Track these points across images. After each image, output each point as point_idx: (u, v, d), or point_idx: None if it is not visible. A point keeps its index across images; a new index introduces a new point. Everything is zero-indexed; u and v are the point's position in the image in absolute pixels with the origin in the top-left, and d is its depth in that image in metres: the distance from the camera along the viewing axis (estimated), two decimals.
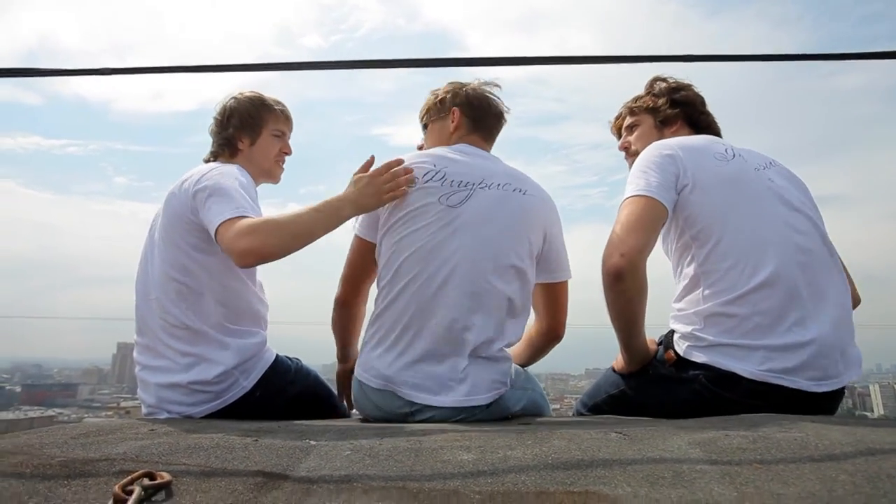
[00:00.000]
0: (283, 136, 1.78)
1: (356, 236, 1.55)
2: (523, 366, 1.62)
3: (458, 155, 1.50)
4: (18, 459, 0.82)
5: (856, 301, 1.49)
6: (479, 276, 1.35)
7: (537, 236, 1.47)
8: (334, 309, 1.62)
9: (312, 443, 0.94)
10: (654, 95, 1.70)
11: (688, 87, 1.69)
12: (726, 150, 1.48)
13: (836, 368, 1.27)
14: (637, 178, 1.42)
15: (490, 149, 1.64)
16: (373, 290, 1.52)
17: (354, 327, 1.64)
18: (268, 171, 1.76)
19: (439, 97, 1.65)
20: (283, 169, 1.80)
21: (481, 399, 1.32)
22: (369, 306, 1.56)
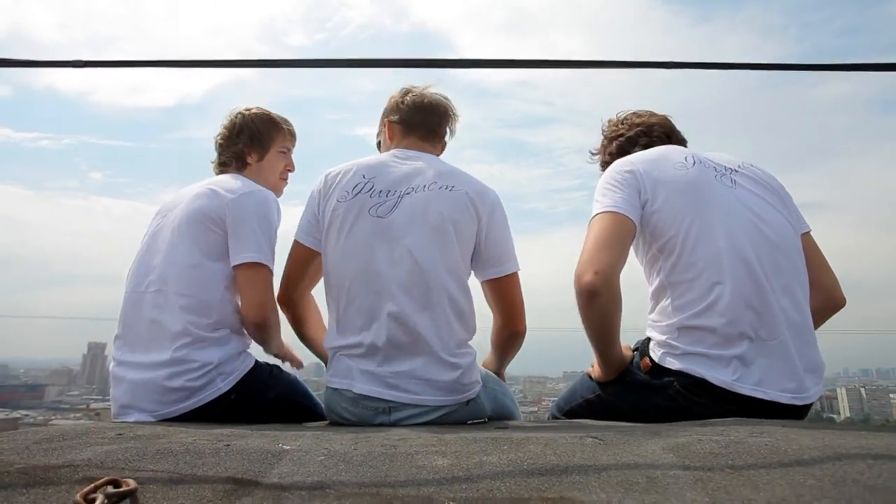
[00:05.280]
0: (287, 153, 1.89)
1: (296, 241, 1.57)
2: (497, 370, 1.66)
3: (388, 159, 1.55)
4: None
5: (838, 302, 1.50)
6: (419, 280, 1.38)
7: (468, 231, 1.47)
8: (282, 309, 1.64)
9: (285, 447, 0.92)
10: (602, 145, 1.81)
11: (622, 124, 1.75)
12: (686, 158, 1.49)
13: (802, 378, 1.29)
14: (602, 196, 1.45)
15: (436, 144, 1.66)
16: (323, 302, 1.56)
17: (308, 325, 1.67)
18: (273, 186, 1.84)
19: (382, 114, 1.72)
20: (286, 183, 1.92)
21: (458, 397, 1.36)
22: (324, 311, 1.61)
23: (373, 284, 1.39)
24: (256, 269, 1.54)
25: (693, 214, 1.38)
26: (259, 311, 1.54)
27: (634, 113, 1.76)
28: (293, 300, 1.62)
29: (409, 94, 1.68)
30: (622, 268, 1.37)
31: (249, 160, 1.80)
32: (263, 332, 1.58)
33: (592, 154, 1.86)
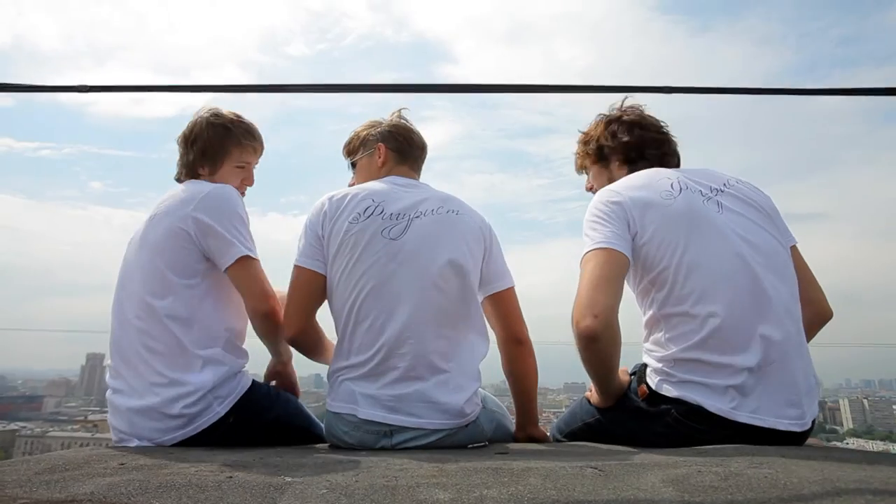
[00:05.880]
0: (246, 168, 1.77)
1: (300, 267, 1.53)
2: (512, 384, 1.64)
3: (391, 187, 1.58)
4: None
5: (827, 315, 1.52)
6: (429, 303, 1.42)
7: (476, 250, 1.54)
8: (293, 345, 1.60)
9: (287, 479, 0.93)
10: (586, 142, 1.74)
11: (617, 121, 1.69)
12: (672, 185, 1.46)
13: (800, 402, 1.28)
14: (592, 231, 1.43)
15: (418, 177, 1.74)
16: (330, 325, 1.56)
17: (321, 347, 1.64)
18: None
19: (361, 136, 1.74)
20: (243, 197, 1.76)
21: (458, 420, 1.38)
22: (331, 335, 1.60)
23: (385, 305, 1.41)
24: (248, 263, 1.52)
25: (684, 246, 1.36)
26: (263, 300, 1.52)
27: (640, 121, 1.67)
28: (305, 330, 1.57)
29: (403, 126, 1.73)
30: (619, 305, 1.36)
31: (201, 172, 1.71)
32: (272, 324, 1.55)
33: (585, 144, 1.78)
